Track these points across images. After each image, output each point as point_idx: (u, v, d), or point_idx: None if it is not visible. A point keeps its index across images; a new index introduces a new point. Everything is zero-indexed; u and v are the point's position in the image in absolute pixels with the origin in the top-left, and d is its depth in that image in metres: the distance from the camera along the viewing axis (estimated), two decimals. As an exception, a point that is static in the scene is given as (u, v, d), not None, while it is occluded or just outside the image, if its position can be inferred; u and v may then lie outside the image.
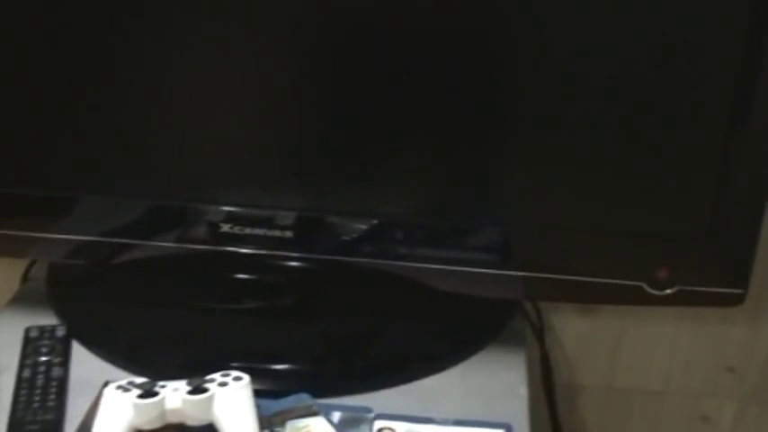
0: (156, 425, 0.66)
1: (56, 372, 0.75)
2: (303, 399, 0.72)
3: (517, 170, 0.73)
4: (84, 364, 0.78)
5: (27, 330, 0.79)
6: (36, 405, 0.71)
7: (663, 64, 0.69)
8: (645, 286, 0.74)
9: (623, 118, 0.70)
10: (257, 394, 0.68)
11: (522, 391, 0.76)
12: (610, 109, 0.70)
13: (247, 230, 0.75)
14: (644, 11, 0.67)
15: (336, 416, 0.71)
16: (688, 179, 0.72)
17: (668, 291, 0.74)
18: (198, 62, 0.72)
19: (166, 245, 0.77)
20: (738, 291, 0.75)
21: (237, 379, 0.68)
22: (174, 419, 0.67)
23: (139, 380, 0.68)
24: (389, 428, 0.71)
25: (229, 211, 0.75)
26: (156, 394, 0.66)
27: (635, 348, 0.94)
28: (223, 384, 0.67)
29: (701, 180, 0.72)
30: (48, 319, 0.82)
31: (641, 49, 0.68)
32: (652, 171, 0.72)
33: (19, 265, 0.90)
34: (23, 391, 0.73)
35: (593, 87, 0.70)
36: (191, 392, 0.66)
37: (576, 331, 0.94)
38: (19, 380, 0.74)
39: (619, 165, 0.72)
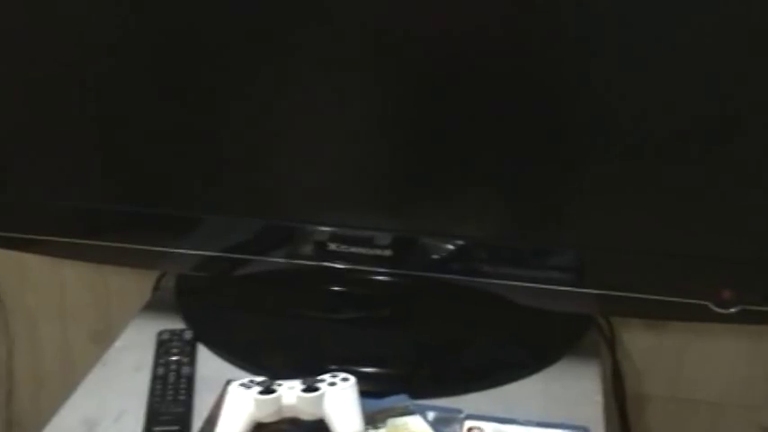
0: (274, 418, 0.69)
1: (185, 370, 0.78)
2: (402, 399, 0.74)
3: (593, 194, 0.74)
4: (209, 363, 0.80)
5: (159, 334, 0.83)
6: (169, 399, 0.75)
7: (734, 90, 0.68)
8: (710, 305, 0.74)
9: (696, 144, 0.70)
10: (361, 395, 0.70)
11: (598, 398, 0.77)
12: (684, 134, 0.70)
13: (351, 249, 0.78)
14: (724, 38, 0.67)
15: (431, 415, 0.74)
16: (756, 204, 0.72)
17: (732, 310, 0.75)
18: (307, 97, 0.74)
19: (278, 260, 0.80)
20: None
21: (345, 380, 0.70)
22: (290, 414, 0.70)
23: (259, 378, 0.70)
24: (478, 428, 0.73)
25: (334, 232, 0.78)
26: (273, 391, 0.68)
27: (698, 361, 0.93)
28: (332, 384, 0.69)
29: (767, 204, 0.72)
30: (176, 324, 0.85)
31: (714, 75, 0.68)
32: (722, 196, 0.72)
33: (151, 276, 0.93)
34: (158, 387, 0.76)
35: (668, 111, 0.70)
36: (304, 390, 0.68)
37: (644, 344, 0.94)
38: (154, 377, 0.78)
39: (690, 190, 0.72)
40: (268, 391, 0.69)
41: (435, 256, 0.78)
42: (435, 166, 0.76)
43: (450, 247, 0.78)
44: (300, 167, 0.78)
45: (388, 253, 0.77)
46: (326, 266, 0.79)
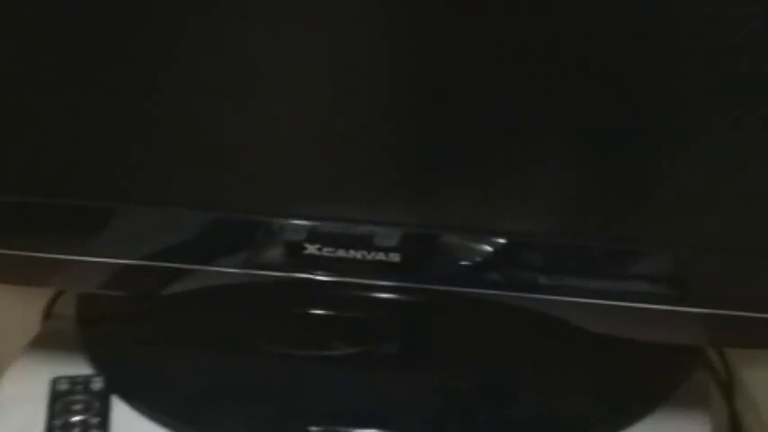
0: None
1: (93, 436, 0.76)
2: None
3: (688, 173, 0.71)
4: (128, 424, 0.78)
5: (54, 382, 0.79)
6: (71, 481, 0.72)
7: None
8: None
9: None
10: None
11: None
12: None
13: (339, 253, 0.74)
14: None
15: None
16: None
17: None
18: (271, 31, 0.70)
19: (232, 271, 0.76)
20: None
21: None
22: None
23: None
24: None
25: (316, 227, 0.74)
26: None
27: None
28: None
29: None
30: (79, 368, 0.82)
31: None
32: None
33: (39, 298, 0.91)
34: (54, 463, 0.73)
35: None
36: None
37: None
38: (47, 447, 0.75)
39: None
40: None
41: (464, 263, 0.74)
42: (462, 131, 0.72)
43: (487, 248, 0.74)
44: (268, 134, 0.74)
45: (395, 258, 0.73)
46: (304, 279, 0.75)
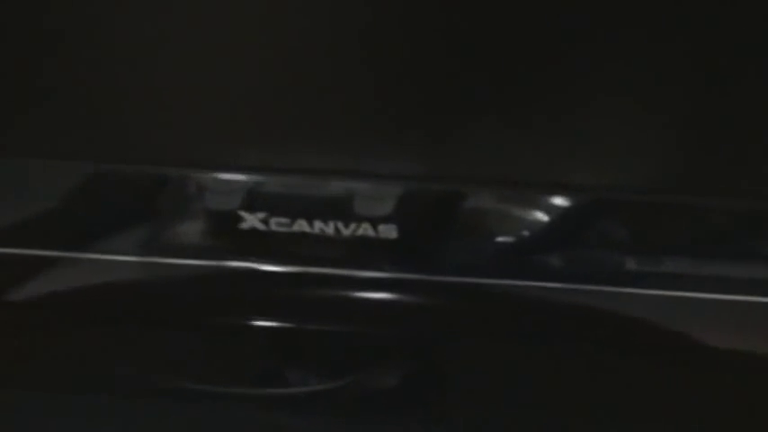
0: None
1: None
2: None
3: None
4: None
5: None
6: None
7: None
8: None
9: None
10: None
11: None
12: None
13: (298, 226, 0.51)
14: None
15: None
16: None
17: None
18: None
19: (125, 260, 0.53)
20: None
21: None
22: None
23: None
24: None
25: (259, 186, 0.51)
26: None
27: None
28: None
29: None
30: None
31: None
32: None
33: None
34: None
35: None
36: None
37: None
38: None
39: None
40: None
41: (499, 238, 0.51)
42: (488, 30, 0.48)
43: (539, 214, 0.51)
44: (180, 48, 0.50)
45: (389, 233, 0.51)
46: (241, 271, 0.53)
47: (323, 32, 0.50)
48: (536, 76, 0.50)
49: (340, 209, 0.51)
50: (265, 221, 0.51)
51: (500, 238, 0.52)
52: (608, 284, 0.52)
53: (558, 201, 0.51)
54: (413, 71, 0.50)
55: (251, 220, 0.51)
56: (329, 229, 0.51)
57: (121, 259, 0.53)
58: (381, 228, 0.51)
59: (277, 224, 0.51)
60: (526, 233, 0.52)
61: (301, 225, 0.51)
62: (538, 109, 0.51)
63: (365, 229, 0.51)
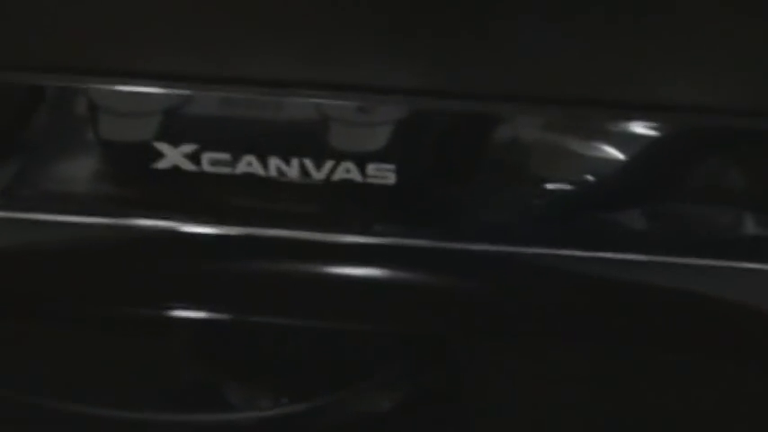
0: None
1: None
2: None
3: None
4: None
5: None
6: None
7: None
8: None
9: None
10: None
11: None
12: None
13: (245, 165, 0.33)
14: None
15: None
16: None
17: None
18: None
19: None
20: None
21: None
22: None
23: None
24: None
25: (185, 102, 0.33)
26: None
27: None
28: None
29: None
30: None
31: None
32: None
33: None
34: None
35: None
36: None
37: None
38: None
39: None
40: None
41: (549, 186, 0.35)
42: None
43: (602, 149, 0.33)
44: None
45: (383, 177, 0.33)
46: (158, 232, 0.35)
47: None
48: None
49: (309, 140, 0.34)
50: (195, 158, 0.34)
51: (548, 186, 0.35)
52: (715, 257, 0.37)
53: (637, 129, 0.34)
54: None
55: (172, 157, 0.34)
56: (292, 170, 0.34)
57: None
58: (371, 168, 0.34)
59: (212, 162, 0.34)
60: (587, 178, 0.35)
61: (250, 164, 0.34)
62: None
63: (347, 171, 0.34)
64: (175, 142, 0.34)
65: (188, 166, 0.34)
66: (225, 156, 0.34)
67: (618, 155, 0.35)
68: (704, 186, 0.35)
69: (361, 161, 0.34)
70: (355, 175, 0.34)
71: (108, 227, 0.35)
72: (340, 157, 0.34)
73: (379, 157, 0.34)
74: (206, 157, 0.33)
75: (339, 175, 0.34)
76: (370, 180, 0.34)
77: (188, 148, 0.33)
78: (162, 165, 0.34)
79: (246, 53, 0.34)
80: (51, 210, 0.34)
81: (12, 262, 0.35)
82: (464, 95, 0.35)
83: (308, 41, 0.34)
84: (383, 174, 0.34)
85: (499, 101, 0.35)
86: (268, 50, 0.34)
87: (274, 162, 0.34)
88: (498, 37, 0.34)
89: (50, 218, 0.34)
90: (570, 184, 0.35)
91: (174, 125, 0.34)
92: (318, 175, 0.34)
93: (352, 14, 0.34)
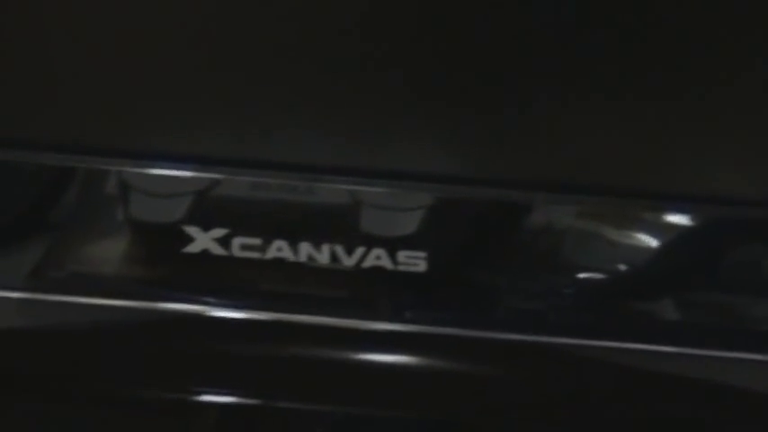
0: None
1: None
2: None
3: None
4: None
5: None
6: None
7: None
8: None
9: None
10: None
11: None
12: None
13: (275, 251, 0.33)
14: None
15: None
16: None
17: None
18: None
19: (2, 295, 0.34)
20: None
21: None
22: None
23: None
24: None
25: (216, 187, 0.32)
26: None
27: None
28: None
29: None
30: None
31: None
32: None
33: None
34: None
35: None
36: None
37: None
38: None
39: None
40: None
41: (582, 276, 0.33)
42: None
43: (636, 238, 0.33)
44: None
45: (414, 264, 0.32)
46: (187, 315, 0.33)
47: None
48: (632, 46, 0.34)
49: (340, 226, 0.34)
50: (225, 243, 0.33)
51: (580, 275, 0.34)
52: (748, 351, 0.35)
53: (672, 219, 0.34)
54: (452, 27, 0.32)
55: (203, 241, 0.33)
56: (323, 255, 0.33)
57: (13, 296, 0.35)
58: (402, 256, 0.34)
59: (243, 247, 0.33)
60: (621, 268, 0.34)
61: (280, 249, 0.33)
62: (640, 89, 0.32)
63: (378, 258, 0.33)
64: (206, 226, 0.33)
65: (218, 250, 0.33)
66: (255, 241, 0.33)
67: (650, 244, 0.34)
68: (736, 278, 0.35)
69: (392, 248, 0.33)
70: (386, 262, 0.33)
71: (136, 310, 0.34)
72: (371, 243, 0.33)
73: (411, 244, 0.34)
74: (236, 242, 0.33)
75: (370, 261, 0.33)
76: (401, 267, 0.33)
77: (218, 232, 0.33)
78: (192, 249, 0.33)
79: (276, 137, 0.34)
80: (80, 292, 0.34)
81: (40, 343, 0.35)
82: (493, 184, 0.34)
83: (339, 127, 0.34)
84: (414, 261, 0.33)
85: (529, 189, 0.34)
86: (300, 135, 0.34)
87: (305, 248, 0.33)
88: (529, 125, 0.34)
89: (79, 300, 0.34)
90: (600, 272, 0.35)
91: (205, 208, 0.33)
92: (349, 261, 0.33)
93: (383, 100, 0.33)
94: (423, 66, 0.32)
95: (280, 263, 0.33)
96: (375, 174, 0.33)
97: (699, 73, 0.31)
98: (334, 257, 0.33)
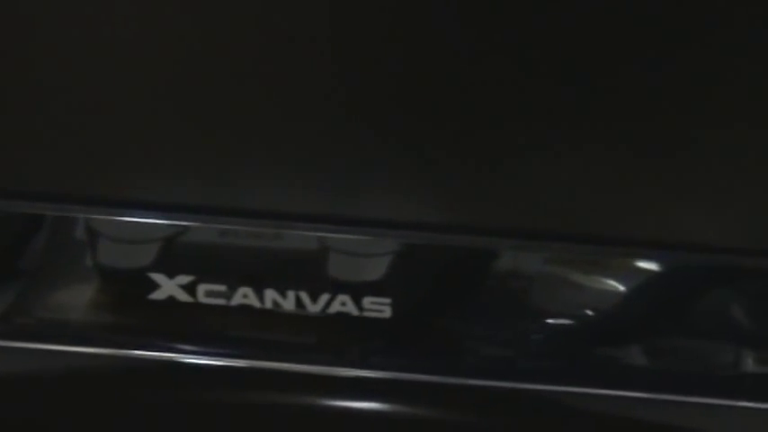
0: None
1: None
2: None
3: None
4: None
5: None
6: None
7: None
8: None
9: None
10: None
11: None
12: None
13: (241, 297, 0.32)
14: None
15: None
16: None
17: None
18: None
19: None
20: None
21: None
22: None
23: None
24: None
25: (182, 234, 0.33)
26: None
27: None
28: None
29: None
30: None
31: None
32: None
33: None
34: None
35: None
36: None
37: None
38: None
39: None
40: None
41: (551, 322, 0.33)
42: None
43: (606, 285, 0.33)
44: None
45: (380, 310, 0.32)
46: (153, 363, 0.33)
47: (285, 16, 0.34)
48: (599, 96, 0.34)
49: (305, 272, 0.33)
50: (191, 289, 0.33)
51: (549, 321, 0.34)
52: (717, 396, 0.35)
53: (642, 265, 0.34)
54: (422, 79, 0.33)
55: (168, 287, 0.33)
56: (288, 302, 0.33)
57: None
58: (367, 302, 0.33)
59: (208, 294, 0.33)
60: (590, 314, 0.34)
61: (246, 296, 0.33)
62: (616, 132, 0.32)
63: (343, 304, 0.33)
64: (171, 273, 0.34)
65: (184, 297, 0.33)
66: (220, 287, 0.33)
67: (618, 290, 0.34)
68: (705, 323, 0.35)
69: (356, 294, 0.33)
70: (351, 308, 0.33)
71: (101, 357, 0.34)
72: (336, 289, 0.33)
73: (376, 290, 0.34)
74: (202, 288, 0.33)
75: (335, 307, 0.33)
76: (366, 313, 0.33)
77: (184, 279, 0.33)
78: (158, 295, 0.33)
79: (241, 184, 0.34)
80: (48, 339, 0.34)
81: (8, 390, 0.35)
82: (461, 230, 0.34)
83: (306, 174, 0.34)
84: (379, 307, 0.33)
85: (496, 236, 0.34)
86: (265, 183, 0.34)
87: (270, 294, 0.33)
88: (497, 173, 0.34)
89: (47, 347, 0.34)
90: (569, 318, 0.35)
91: (171, 255, 0.33)
92: (314, 307, 0.33)
93: (352, 149, 0.33)
94: (391, 115, 0.32)
95: (246, 309, 0.33)
96: (342, 220, 0.33)
97: (666, 123, 0.32)
98: (299, 303, 0.33)
